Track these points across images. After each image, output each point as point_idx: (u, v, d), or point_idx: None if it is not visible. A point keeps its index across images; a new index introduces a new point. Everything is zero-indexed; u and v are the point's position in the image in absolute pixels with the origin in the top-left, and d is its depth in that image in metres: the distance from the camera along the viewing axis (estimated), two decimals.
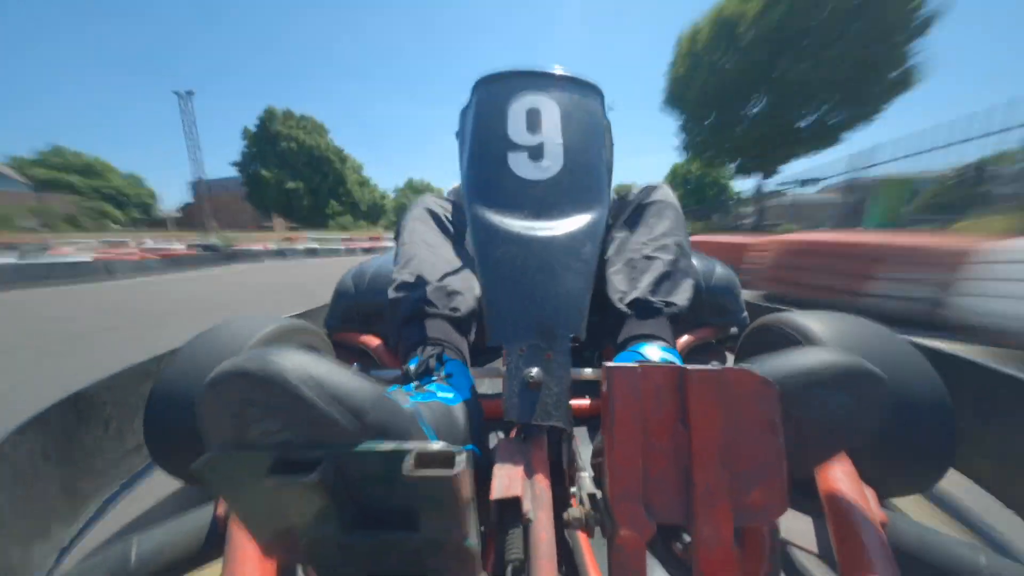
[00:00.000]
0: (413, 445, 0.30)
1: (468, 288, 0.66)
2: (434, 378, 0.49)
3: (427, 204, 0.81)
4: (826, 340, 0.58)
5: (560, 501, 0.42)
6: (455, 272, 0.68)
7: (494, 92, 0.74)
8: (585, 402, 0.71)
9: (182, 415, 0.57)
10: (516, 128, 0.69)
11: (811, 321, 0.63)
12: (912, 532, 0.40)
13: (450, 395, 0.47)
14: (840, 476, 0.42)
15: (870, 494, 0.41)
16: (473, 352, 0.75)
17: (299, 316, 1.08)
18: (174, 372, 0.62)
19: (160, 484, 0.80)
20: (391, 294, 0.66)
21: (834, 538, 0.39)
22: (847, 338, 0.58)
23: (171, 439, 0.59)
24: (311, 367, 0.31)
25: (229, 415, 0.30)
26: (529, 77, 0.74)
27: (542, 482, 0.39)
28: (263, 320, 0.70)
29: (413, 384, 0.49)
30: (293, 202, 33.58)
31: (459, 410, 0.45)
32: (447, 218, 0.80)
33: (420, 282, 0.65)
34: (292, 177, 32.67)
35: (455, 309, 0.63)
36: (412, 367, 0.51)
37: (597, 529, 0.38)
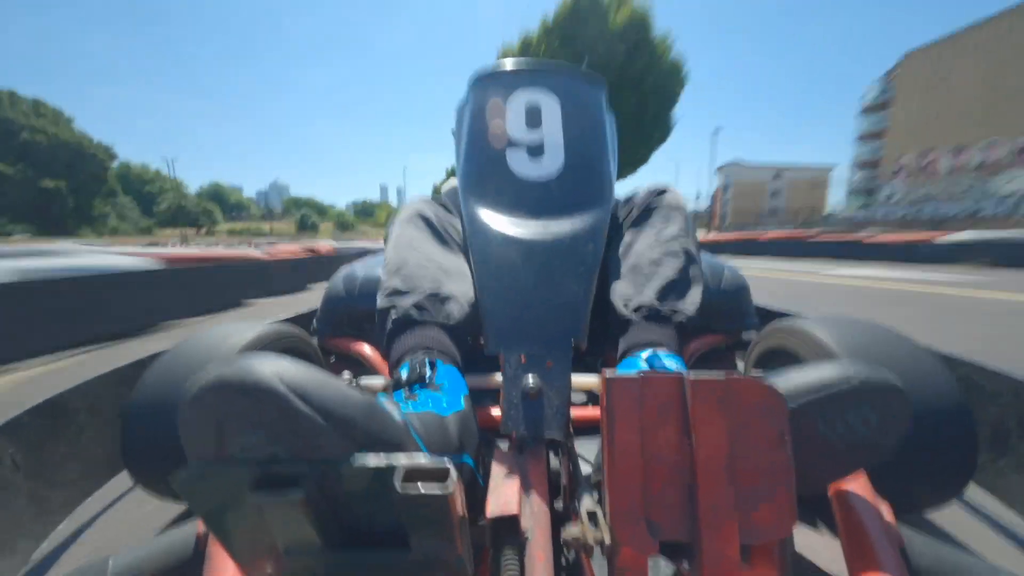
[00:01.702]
0: (403, 459, 0.29)
1: (462, 294, 0.65)
2: (426, 386, 0.49)
3: (417, 207, 0.79)
4: (841, 348, 0.57)
5: (559, 517, 0.42)
6: (448, 277, 0.67)
7: (492, 87, 0.74)
8: (586, 411, 0.70)
9: (160, 428, 0.56)
10: (515, 125, 0.68)
11: (825, 328, 0.62)
12: (929, 552, 0.39)
13: (443, 404, 0.46)
14: (854, 490, 0.42)
15: (886, 510, 0.41)
16: (469, 360, 0.75)
17: (286, 321, 1.08)
18: (152, 382, 0.61)
19: (137, 498, 0.79)
20: (380, 301, 0.65)
21: (847, 557, 0.39)
22: (863, 346, 0.57)
23: (149, 453, 0.58)
24: (298, 376, 0.31)
25: (210, 427, 0.30)
26: (528, 71, 0.74)
27: (540, 498, 0.39)
28: (247, 326, 0.69)
29: (403, 392, 0.48)
30: (52, 204, 29.61)
31: (452, 420, 0.45)
32: (439, 221, 0.79)
33: (411, 288, 0.64)
34: (47, 175, 28.79)
35: (448, 316, 0.62)
36: (403, 374, 0.50)
37: (597, 548, 0.37)
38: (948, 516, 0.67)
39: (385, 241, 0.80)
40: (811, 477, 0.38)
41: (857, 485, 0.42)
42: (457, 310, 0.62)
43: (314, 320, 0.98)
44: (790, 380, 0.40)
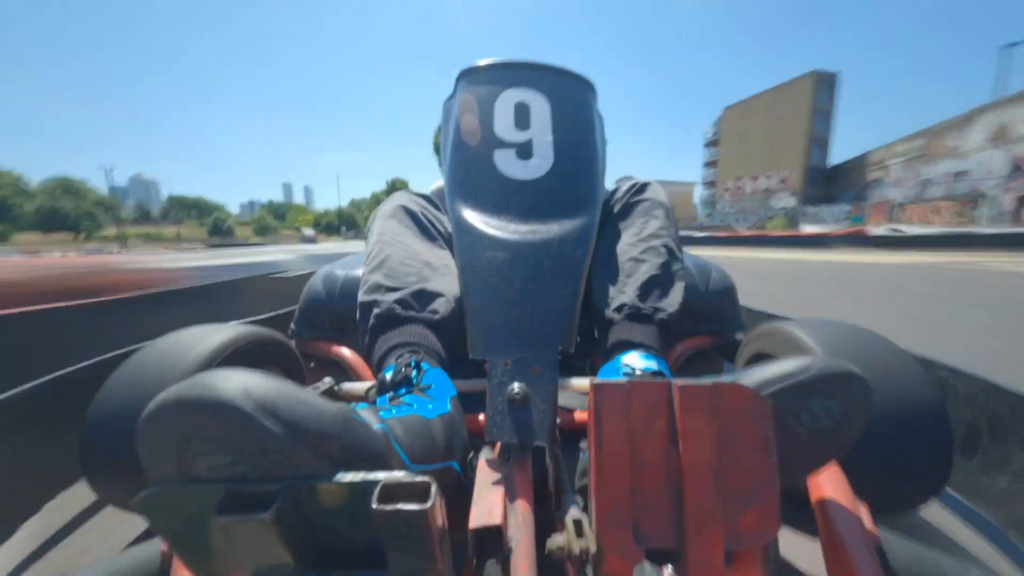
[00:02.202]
0: (380, 476, 0.28)
1: (448, 290, 0.64)
2: (412, 388, 0.47)
3: (401, 201, 0.77)
4: (821, 349, 0.58)
5: (545, 526, 0.41)
6: (434, 272, 0.65)
7: (480, 85, 0.72)
8: (573, 417, 0.70)
9: (124, 436, 0.53)
10: (503, 124, 0.67)
11: (807, 330, 0.63)
12: (905, 552, 0.40)
13: (428, 407, 0.45)
14: (833, 492, 0.43)
15: (864, 511, 0.42)
16: (454, 359, 0.73)
17: (260, 322, 1.04)
18: (117, 387, 0.58)
19: (102, 512, 0.76)
20: (361, 297, 0.63)
21: (826, 559, 0.39)
22: (843, 347, 0.59)
23: (111, 462, 0.55)
24: (265, 391, 0.29)
25: (171, 447, 0.28)
26: (517, 69, 0.73)
27: (525, 507, 0.38)
28: (217, 329, 0.65)
29: (388, 395, 0.47)
30: None
31: (438, 424, 0.44)
32: (425, 216, 0.76)
33: (394, 284, 0.62)
34: None
35: (434, 312, 0.60)
36: (387, 376, 0.49)
37: (583, 557, 0.37)
38: (925, 515, 0.70)
39: (367, 235, 0.77)
40: (784, 470, 0.38)
41: (836, 487, 0.43)
42: (443, 306, 0.61)
43: (292, 322, 0.94)
44: (757, 374, 0.40)
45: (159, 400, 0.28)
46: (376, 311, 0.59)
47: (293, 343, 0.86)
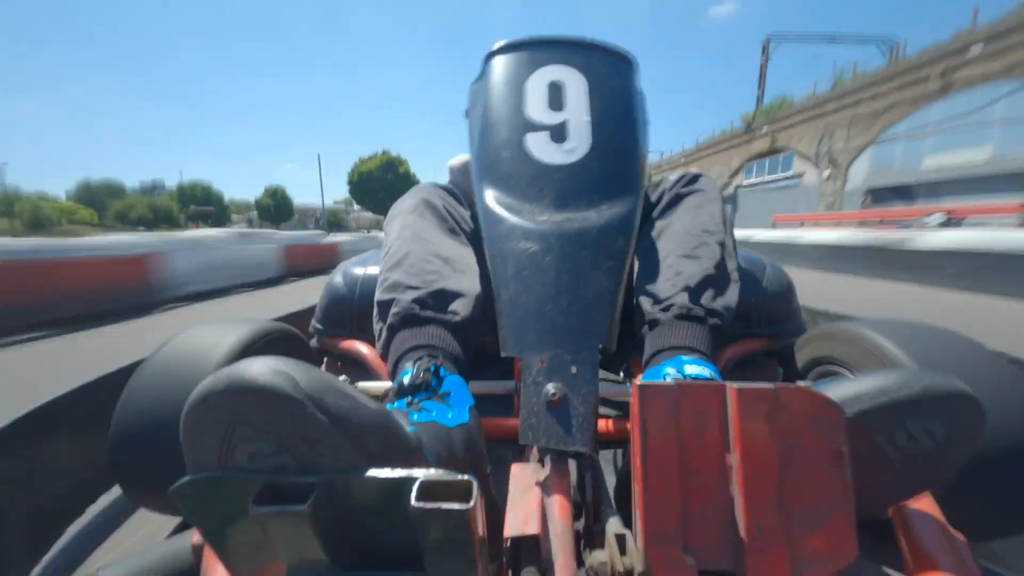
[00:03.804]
0: (420, 473, 0.28)
1: (469, 290, 0.62)
2: (431, 395, 0.47)
3: (423, 194, 0.76)
4: (902, 354, 0.54)
5: (583, 540, 0.40)
6: (454, 271, 0.64)
7: (510, 64, 0.71)
8: (610, 423, 0.67)
9: (152, 436, 0.55)
10: (536, 105, 0.65)
11: (884, 332, 0.58)
12: None
13: (448, 416, 0.44)
14: (923, 519, 0.39)
15: (960, 541, 0.38)
16: (478, 362, 0.72)
17: (283, 319, 1.07)
18: (140, 389, 0.59)
19: (138, 514, 0.79)
20: (379, 295, 0.62)
21: None
22: (929, 352, 0.54)
23: (140, 465, 0.56)
24: (314, 382, 0.30)
25: (216, 434, 0.29)
26: (550, 46, 0.71)
27: (564, 518, 0.37)
28: (241, 324, 0.67)
29: (406, 400, 0.46)
30: None
31: (457, 434, 0.43)
32: (447, 209, 0.75)
33: (413, 283, 0.61)
34: None
35: (454, 313, 0.59)
36: (405, 380, 0.48)
37: None
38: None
39: (385, 231, 0.77)
40: (868, 497, 0.35)
41: (925, 512, 0.39)
42: (463, 308, 0.60)
43: (313, 319, 0.96)
44: (843, 388, 0.37)
45: (207, 384, 0.29)
46: (394, 310, 0.59)
47: (313, 340, 0.89)
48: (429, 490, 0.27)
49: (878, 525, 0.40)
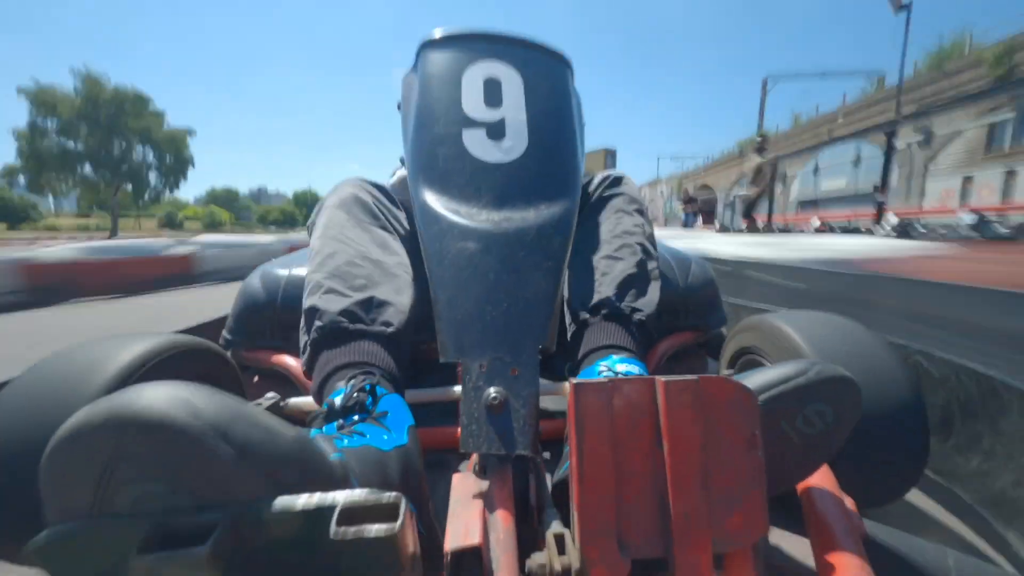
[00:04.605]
0: (341, 496, 0.26)
1: (402, 297, 0.60)
2: (366, 416, 0.44)
3: (351, 190, 0.71)
4: (803, 342, 0.61)
5: (527, 543, 0.40)
6: (386, 276, 0.61)
7: (445, 57, 0.69)
8: (553, 421, 0.68)
9: (16, 477, 0.45)
10: (472, 101, 0.64)
11: (789, 323, 0.65)
12: (888, 540, 0.42)
13: (383, 438, 0.42)
14: (820, 488, 0.44)
15: (849, 503, 0.43)
16: (422, 369, 0.69)
17: (189, 331, 0.95)
18: (6, 417, 0.49)
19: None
20: (306, 302, 0.58)
21: (816, 553, 0.40)
22: (825, 339, 0.61)
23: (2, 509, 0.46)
24: (215, 408, 0.27)
25: (89, 477, 0.25)
26: (487, 41, 0.70)
27: (505, 524, 0.37)
28: (135, 339, 0.56)
29: (336, 424, 0.43)
30: None
31: (394, 457, 0.41)
32: (378, 207, 0.71)
33: (340, 288, 0.57)
34: None
35: (387, 324, 0.56)
36: (336, 401, 0.45)
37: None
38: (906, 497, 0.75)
39: (310, 230, 0.71)
40: (776, 477, 0.39)
41: (822, 482, 0.45)
42: (396, 317, 0.57)
43: (224, 330, 0.85)
44: (754, 378, 0.41)
45: (80, 418, 0.25)
46: (319, 323, 0.54)
47: (229, 353, 0.79)
48: (352, 515, 0.26)
49: (785, 496, 0.45)
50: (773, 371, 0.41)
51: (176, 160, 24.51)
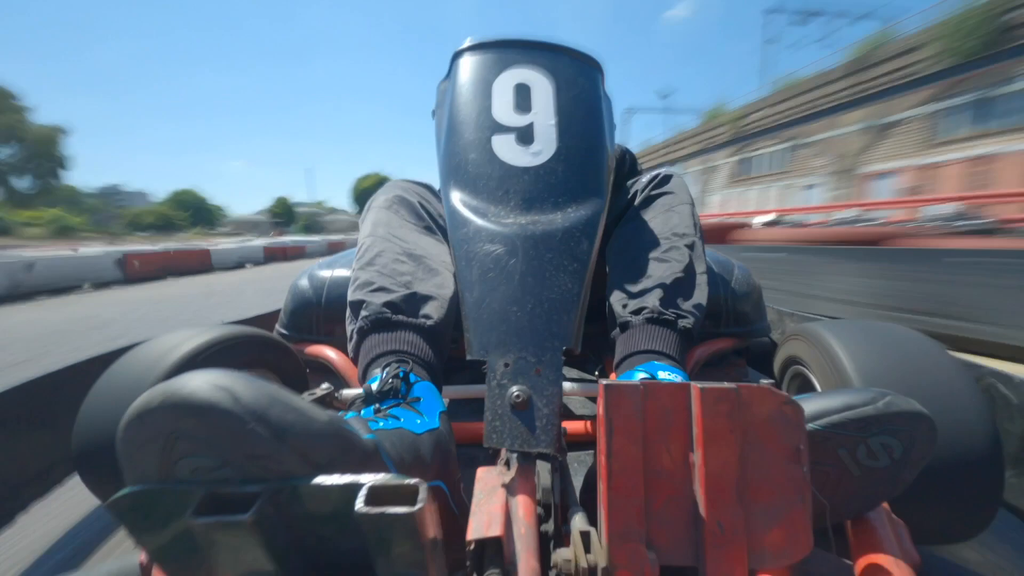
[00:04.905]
0: (367, 478, 0.28)
1: (442, 292, 0.62)
2: (400, 401, 0.46)
3: (398, 191, 0.75)
4: (860, 355, 0.57)
5: (549, 540, 0.40)
6: (428, 272, 0.64)
7: (477, 65, 0.71)
8: (578, 423, 0.68)
9: (113, 436, 0.55)
10: (503, 107, 0.66)
11: (844, 333, 0.61)
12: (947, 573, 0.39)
13: (416, 422, 0.44)
14: (870, 511, 0.41)
15: (904, 531, 0.40)
16: (454, 368, 0.72)
17: (247, 322, 1.05)
18: (106, 387, 0.59)
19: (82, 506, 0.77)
20: (351, 296, 0.62)
21: None
22: (885, 354, 0.57)
23: (102, 463, 0.55)
24: (252, 393, 0.29)
25: (154, 449, 0.29)
26: (517, 48, 0.71)
27: (527, 519, 0.37)
28: (205, 330, 0.66)
29: (373, 408, 0.46)
30: None
31: (426, 440, 0.43)
32: (423, 207, 0.75)
33: (385, 284, 0.61)
34: None
35: (426, 317, 0.59)
36: (373, 386, 0.48)
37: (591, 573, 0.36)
38: None
39: (360, 227, 0.76)
40: (831, 507, 0.37)
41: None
42: (436, 311, 0.59)
43: (277, 323, 0.93)
44: (814, 401, 0.39)
45: (144, 400, 0.28)
46: (364, 313, 0.58)
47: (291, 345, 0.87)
48: (377, 495, 0.27)
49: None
50: (837, 396, 0.39)
51: (47, 159, 21.82)
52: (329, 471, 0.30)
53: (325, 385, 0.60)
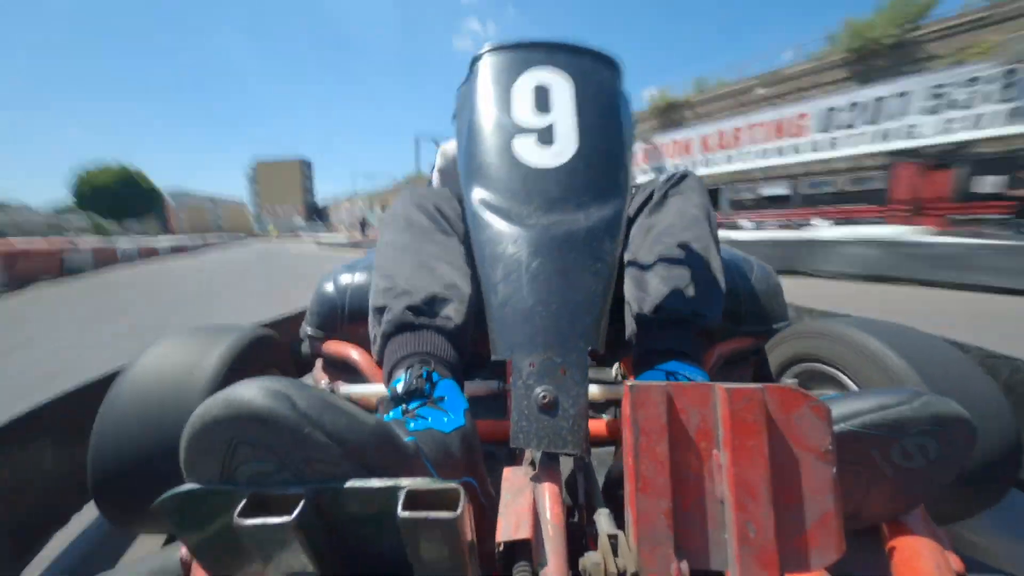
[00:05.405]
0: (407, 482, 0.29)
1: (462, 294, 0.63)
2: (425, 401, 0.48)
3: (417, 196, 0.77)
4: (886, 355, 0.57)
5: (575, 542, 0.40)
6: (447, 275, 0.65)
7: (496, 67, 0.72)
8: (598, 422, 0.68)
9: (131, 451, 0.54)
10: (523, 108, 0.66)
11: (869, 334, 0.61)
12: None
13: (443, 421, 0.45)
14: (908, 517, 0.40)
15: (943, 536, 0.39)
16: (470, 366, 0.73)
17: (273, 324, 1.07)
18: (120, 402, 0.58)
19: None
20: (373, 300, 0.64)
21: None
22: (909, 352, 0.57)
23: (118, 482, 0.55)
24: (310, 401, 0.31)
25: (218, 455, 0.30)
26: (536, 49, 0.72)
27: (555, 521, 0.38)
28: (225, 331, 0.68)
29: (400, 408, 0.47)
30: None
31: (454, 439, 0.44)
32: (439, 210, 0.76)
33: (406, 288, 0.62)
34: None
35: (447, 319, 0.60)
36: (399, 388, 0.49)
37: None
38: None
39: (379, 233, 0.78)
40: (865, 509, 0.37)
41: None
42: (456, 312, 0.61)
43: (304, 323, 0.96)
44: (845, 403, 0.39)
45: (205, 409, 0.30)
46: (387, 317, 0.60)
47: (304, 344, 0.89)
48: (417, 499, 0.28)
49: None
50: (869, 397, 0.39)
51: None
52: (380, 474, 0.31)
53: (325, 382, 0.62)
